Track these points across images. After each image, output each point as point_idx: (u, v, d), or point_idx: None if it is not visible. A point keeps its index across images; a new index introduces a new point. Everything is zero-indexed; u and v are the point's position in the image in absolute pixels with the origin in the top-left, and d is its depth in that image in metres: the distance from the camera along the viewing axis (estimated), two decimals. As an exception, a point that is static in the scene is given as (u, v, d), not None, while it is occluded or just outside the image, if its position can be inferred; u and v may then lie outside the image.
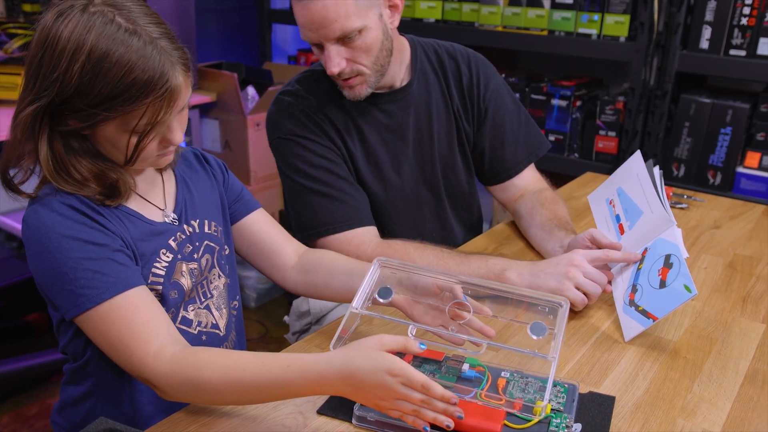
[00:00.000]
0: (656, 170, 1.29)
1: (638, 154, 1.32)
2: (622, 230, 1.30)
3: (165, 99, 0.93)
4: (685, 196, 1.83)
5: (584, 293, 1.21)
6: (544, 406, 0.90)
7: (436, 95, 1.51)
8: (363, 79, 1.35)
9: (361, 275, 1.07)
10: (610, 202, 1.35)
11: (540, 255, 1.46)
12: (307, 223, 1.37)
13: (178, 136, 1.00)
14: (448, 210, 1.58)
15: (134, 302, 0.94)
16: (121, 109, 0.91)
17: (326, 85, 1.43)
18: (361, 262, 1.19)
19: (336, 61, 1.29)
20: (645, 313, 1.15)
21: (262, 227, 1.22)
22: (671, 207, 1.76)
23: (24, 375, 2.20)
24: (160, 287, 1.03)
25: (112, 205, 1.00)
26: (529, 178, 1.61)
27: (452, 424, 0.87)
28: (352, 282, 1.13)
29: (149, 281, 1.01)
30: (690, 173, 2.38)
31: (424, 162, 1.52)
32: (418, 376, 0.84)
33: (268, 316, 2.80)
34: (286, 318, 1.66)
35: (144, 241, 1.02)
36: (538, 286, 1.22)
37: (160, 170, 1.10)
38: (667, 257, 1.18)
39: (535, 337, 0.97)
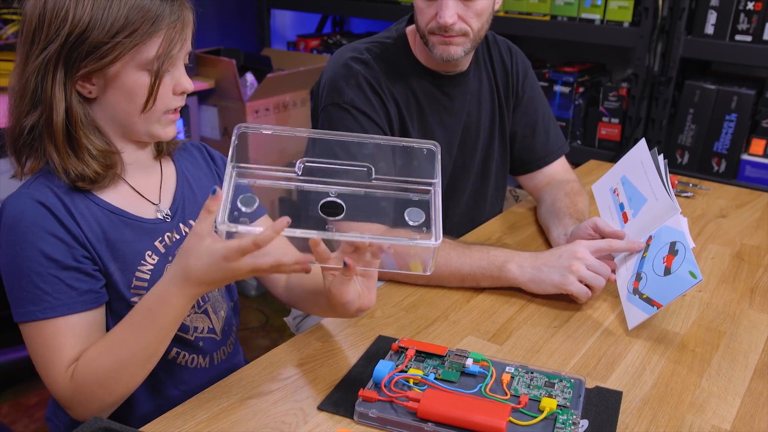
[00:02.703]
0: (660, 158, 1.26)
1: (643, 142, 1.29)
2: (625, 218, 1.28)
3: (178, 25, 0.94)
4: (691, 185, 1.80)
5: (588, 286, 1.18)
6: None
7: (486, 86, 1.52)
8: (464, 39, 1.34)
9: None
10: (614, 191, 1.33)
11: (546, 243, 1.44)
12: None
13: (189, 83, 0.99)
14: (472, 199, 1.57)
15: (66, 329, 0.93)
16: (140, 34, 0.91)
17: (394, 59, 1.41)
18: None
19: (451, 12, 1.29)
20: (649, 301, 1.13)
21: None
22: (676, 195, 1.73)
23: (22, 365, 2.19)
24: (145, 292, 0.97)
25: (95, 192, 0.97)
26: (558, 168, 1.61)
27: (310, 270, 0.85)
28: (320, 302, 1.06)
29: (132, 285, 0.99)
30: (694, 160, 2.35)
31: (467, 149, 1.51)
32: (262, 260, 0.82)
33: (268, 304, 2.77)
34: (286, 318, 1.63)
35: (126, 242, 0.98)
36: (540, 279, 1.20)
37: (159, 160, 1.06)
38: (673, 244, 1.16)
39: (412, 223, 0.89)
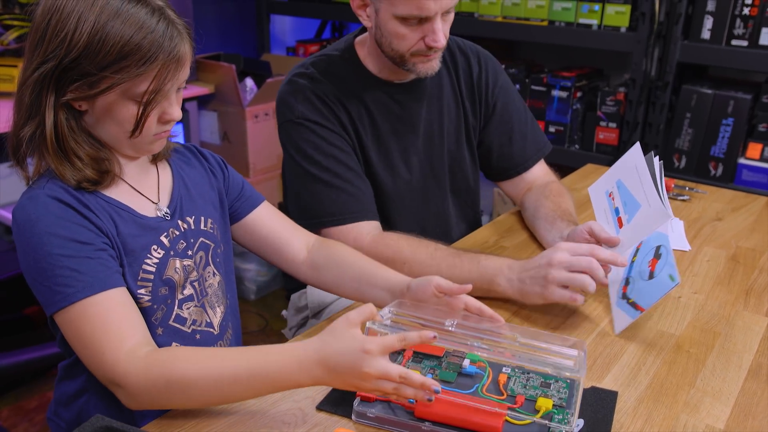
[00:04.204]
0: (657, 162, 1.27)
1: (637, 146, 1.30)
2: (620, 223, 1.28)
3: (173, 64, 0.93)
4: (687, 188, 1.82)
5: (579, 288, 1.15)
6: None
7: (447, 89, 1.51)
8: (438, 54, 1.35)
9: (370, 284, 1.13)
10: (610, 195, 1.33)
11: (543, 247, 1.44)
12: (311, 212, 1.36)
13: (178, 112, 0.99)
14: (450, 206, 1.57)
15: (110, 303, 0.92)
16: (130, 72, 0.90)
17: (341, 70, 1.41)
18: (370, 265, 1.17)
19: (442, 34, 1.30)
20: (634, 305, 1.14)
21: (267, 223, 1.20)
22: (672, 199, 1.75)
23: (23, 368, 2.19)
24: (150, 284, 1.00)
25: (101, 191, 0.98)
26: (538, 173, 1.61)
27: (433, 398, 0.87)
28: (361, 290, 1.16)
29: (139, 278, 1.00)
30: (691, 164, 2.36)
31: (433, 156, 1.50)
32: (394, 368, 0.86)
33: (268, 308, 2.78)
34: (284, 312, 1.64)
35: (134, 236, 1.00)
36: (526, 292, 1.19)
37: (155, 162, 1.08)
38: (657, 248, 1.17)
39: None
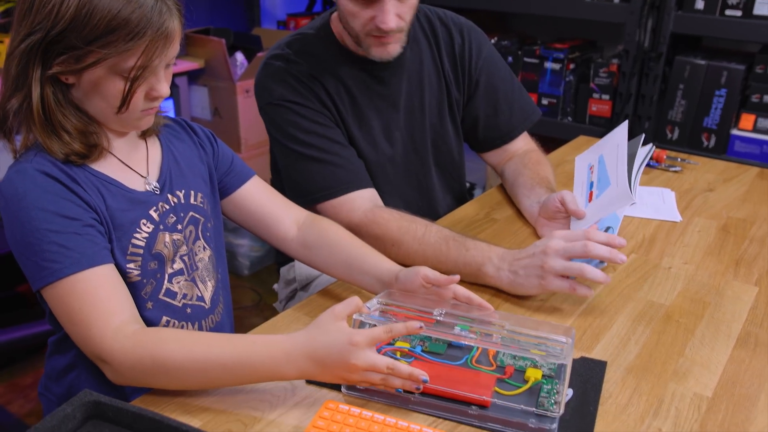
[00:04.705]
0: (645, 147, 1.25)
1: (624, 125, 1.28)
2: (591, 198, 1.28)
3: (161, 40, 0.91)
4: (679, 159, 1.81)
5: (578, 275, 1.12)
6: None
7: (428, 63, 1.48)
8: (399, 37, 1.32)
9: (361, 270, 1.13)
10: (591, 168, 1.33)
11: (530, 223, 1.44)
12: (303, 190, 1.35)
13: (165, 88, 0.98)
14: (434, 180, 1.56)
15: (98, 280, 0.92)
16: (117, 47, 0.89)
17: (317, 49, 1.39)
18: (361, 250, 1.16)
19: (392, 15, 1.26)
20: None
21: (257, 198, 1.19)
22: (664, 170, 1.75)
23: (17, 345, 2.20)
24: (139, 259, 1.00)
25: (90, 165, 0.97)
26: (520, 143, 1.60)
27: (421, 387, 0.89)
28: (351, 274, 1.16)
29: (128, 252, 0.99)
30: (684, 136, 2.36)
31: (415, 131, 1.49)
32: (381, 360, 0.87)
33: (262, 283, 2.79)
34: (275, 286, 1.65)
35: (123, 210, 0.99)
36: (520, 284, 1.15)
37: (145, 137, 1.07)
38: (606, 229, 1.19)
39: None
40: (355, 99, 1.40)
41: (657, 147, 1.87)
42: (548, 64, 2.53)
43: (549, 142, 2.24)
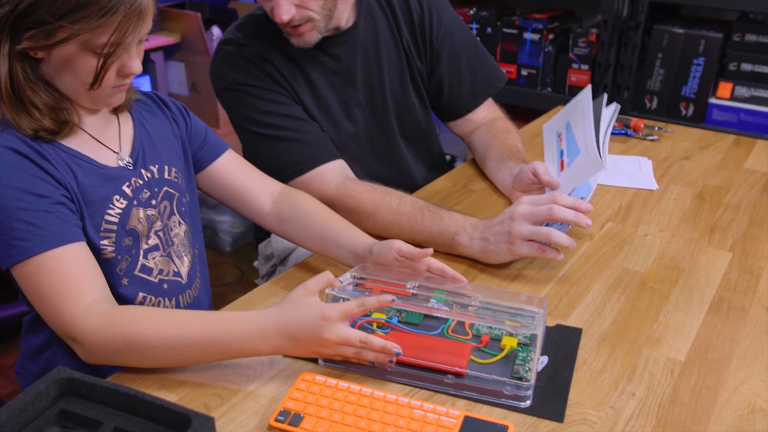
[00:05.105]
0: (610, 107, 1.24)
1: (588, 89, 1.28)
2: (563, 166, 1.27)
3: (134, 16, 0.90)
4: (657, 128, 1.82)
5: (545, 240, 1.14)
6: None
7: (385, 35, 1.45)
8: (312, 25, 1.28)
9: (335, 244, 1.14)
10: (559, 136, 1.32)
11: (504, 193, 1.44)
12: (271, 171, 1.33)
13: (138, 65, 0.96)
14: (404, 152, 1.54)
15: (68, 258, 0.91)
16: (89, 23, 0.87)
17: (268, 31, 1.36)
18: (335, 224, 1.16)
19: (286, 7, 1.22)
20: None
21: (231, 172, 1.19)
22: (641, 139, 1.76)
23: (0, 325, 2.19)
24: (113, 235, 1.00)
25: (60, 141, 0.96)
26: (484, 111, 1.59)
27: (394, 360, 0.90)
28: (325, 247, 1.16)
29: (102, 228, 0.98)
30: (662, 105, 2.36)
31: (376, 105, 1.47)
32: (354, 333, 0.88)
33: (244, 259, 2.78)
34: (255, 263, 1.64)
35: (95, 187, 0.98)
36: (491, 251, 1.15)
37: (116, 112, 1.06)
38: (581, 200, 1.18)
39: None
40: (310, 78, 1.38)
41: (635, 116, 1.88)
42: (527, 35, 2.52)
43: (529, 113, 2.25)
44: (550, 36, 2.50)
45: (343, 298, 0.95)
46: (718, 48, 2.22)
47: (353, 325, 0.96)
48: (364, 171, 1.43)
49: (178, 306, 1.10)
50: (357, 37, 1.41)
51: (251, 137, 1.35)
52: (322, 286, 0.92)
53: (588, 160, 1.17)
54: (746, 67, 2.23)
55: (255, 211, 1.20)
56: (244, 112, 1.35)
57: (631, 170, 1.56)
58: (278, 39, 1.35)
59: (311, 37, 1.30)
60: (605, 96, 1.24)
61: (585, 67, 2.45)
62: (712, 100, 2.29)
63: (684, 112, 2.32)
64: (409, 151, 1.55)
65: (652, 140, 1.75)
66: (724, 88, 2.27)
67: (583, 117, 1.22)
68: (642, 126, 1.79)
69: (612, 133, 1.77)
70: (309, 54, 1.36)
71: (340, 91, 1.42)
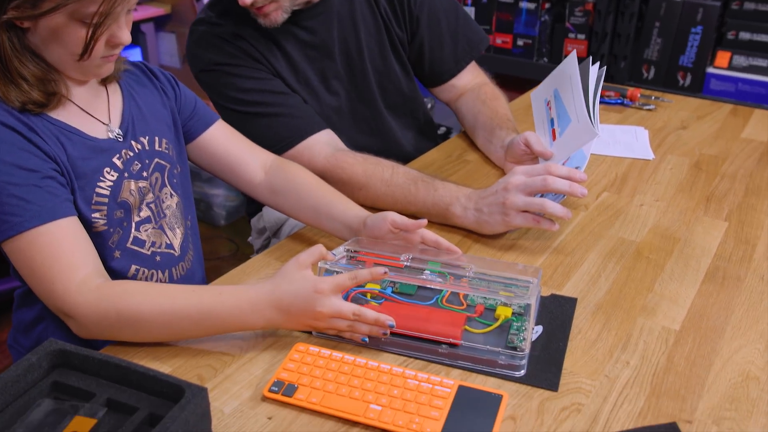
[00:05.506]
0: (595, 70, 1.22)
1: (573, 55, 1.25)
2: (554, 136, 1.26)
3: None
4: (653, 98, 1.80)
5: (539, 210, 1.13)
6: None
7: (360, 4, 1.43)
8: (277, 5, 1.26)
9: (329, 216, 1.13)
10: (548, 104, 1.30)
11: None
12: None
13: (127, 35, 0.95)
14: (389, 122, 1.52)
15: (60, 233, 0.90)
16: None
17: (240, 7, 1.31)
18: (328, 196, 1.16)
19: None
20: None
21: (222, 142, 1.18)
22: (638, 108, 1.74)
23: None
24: (105, 208, 0.99)
25: (48, 113, 0.95)
26: (468, 76, 1.57)
27: (387, 333, 0.91)
28: (319, 220, 1.15)
29: (93, 201, 0.98)
30: (660, 75, 2.35)
31: (356, 76, 1.45)
32: (347, 306, 0.89)
33: (239, 233, 2.78)
34: (249, 239, 1.64)
35: (84, 159, 0.97)
36: (485, 221, 1.15)
37: (105, 83, 1.05)
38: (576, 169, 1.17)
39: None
40: (286, 51, 1.36)
41: (632, 86, 1.86)
42: (523, 4, 2.49)
43: (525, 84, 2.23)
44: (546, 5, 2.48)
45: (336, 272, 0.94)
46: (716, 16, 2.20)
47: (346, 297, 0.96)
48: (350, 144, 1.40)
49: (171, 278, 1.10)
50: (331, 7, 1.39)
51: (235, 117, 1.33)
52: (314, 260, 0.92)
53: (580, 129, 1.16)
54: (744, 35, 2.22)
55: (246, 182, 1.19)
56: (225, 92, 1.33)
57: (628, 140, 1.55)
58: (250, 15, 1.32)
59: (277, 16, 1.28)
60: (590, 59, 1.22)
61: (582, 36, 2.43)
62: (710, 70, 2.27)
63: (681, 81, 2.31)
64: (394, 120, 1.54)
65: (649, 110, 1.74)
66: (722, 58, 2.26)
67: (571, 84, 1.20)
68: (639, 95, 1.77)
69: (608, 103, 1.77)
70: (283, 28, 1.34)
71: (318, 64, 1.40)
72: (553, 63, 2.51)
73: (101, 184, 0.99)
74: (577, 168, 1.16)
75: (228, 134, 1.19)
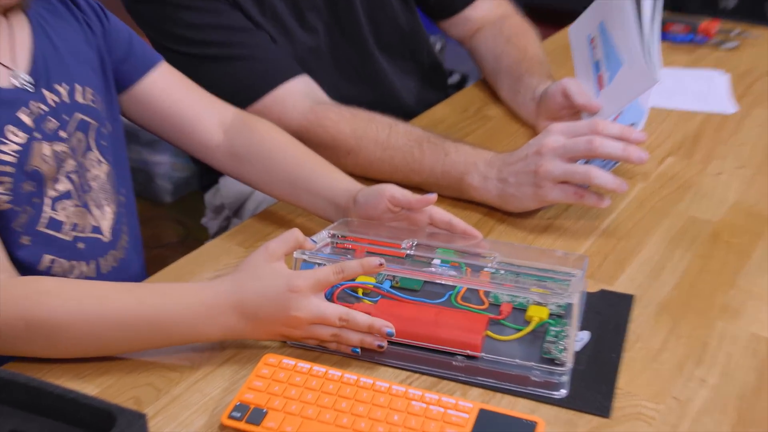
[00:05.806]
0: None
1: None
2: (601, 83, 1.26)
3: None
4: (735, 32, 1.82)
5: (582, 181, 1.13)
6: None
7: None
8: None
9: (309, 191, 1.13)
10: (592, 41, 1.29)
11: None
12: None
13: None
14: (382, 65, 1.54)
15: None
16: None
17: None
18: (308, 164, 1.16)
19: None
20: None
21: (166, 92, 1.18)
22: (715, 47, 1.76)
23: None
24: (9, 179, 0.98)
25: None
26: (487, 5, 1.58)
27: (385, 344, 0.90)
28: (296, 194, 1.16)
29: None
30: (744, 4, 2.34)
31: (339, 6, 1.46)
32: (332, 309, 0.88)
33: (189, 212, 2.79)
34: (203, 220, 1.64)
35: None
36: (511, 195, 1.15)
37: (6, 15, 1.04)
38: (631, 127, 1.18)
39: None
40: None
41: (706, 17, 1.86)
42: None
43: (562, 17, 2.20)
44: None
45: (317, 264, 0.94)
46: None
47: (330, 295, 0.96)
48: (333, 94, 1.40)
49: (98, 273, 1.10)
50: None
51: (181, 61, 1.31)
52: (288, 249, 0.92)
53: (635, 74, 1.16)
54: None
55: (200, 144, 1.20)
56: (169, 29, 1.33)
57: (700, 88, 1.57)
58: None
59: None
60: None
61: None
62: (808, -3, 2.27)
63: (771, 12, 2.30)
64: (389, 64, 1.55)
65: (729, 48, 1.76)
66: (825, -19, 2.25)
67: (622, 15, 1.19)
68: (715, 30, 1.79)
69: (674, 40, 1.79)
70: None
71: None
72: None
73: (3, 147, 0.98)
74: (632, 125, 1.16)
75: (174, 81, 1.19)
